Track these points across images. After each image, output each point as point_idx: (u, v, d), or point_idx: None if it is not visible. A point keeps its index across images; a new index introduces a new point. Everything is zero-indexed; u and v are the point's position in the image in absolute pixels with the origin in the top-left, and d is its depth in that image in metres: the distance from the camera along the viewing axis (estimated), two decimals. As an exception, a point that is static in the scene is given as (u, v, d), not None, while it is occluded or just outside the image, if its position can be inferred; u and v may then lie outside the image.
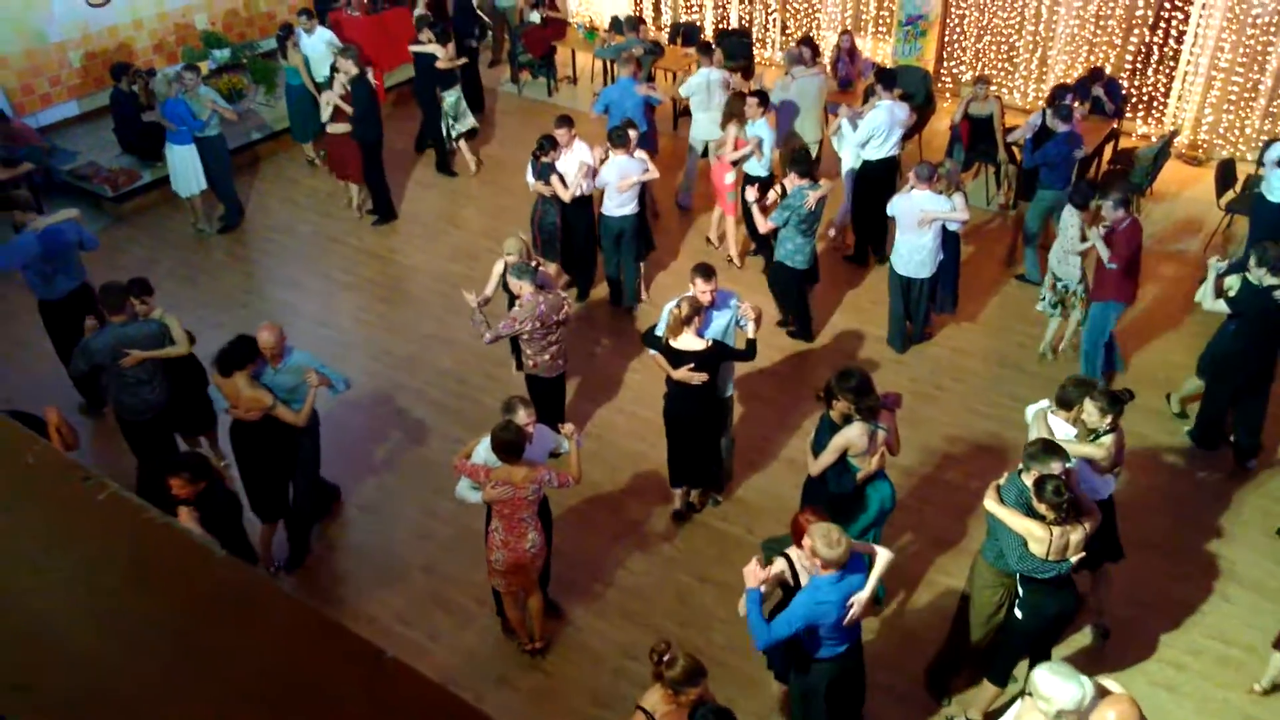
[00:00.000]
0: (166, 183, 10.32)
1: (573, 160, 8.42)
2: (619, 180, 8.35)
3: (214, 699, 0.93)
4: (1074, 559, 4.89)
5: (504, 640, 6.16)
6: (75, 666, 0.96)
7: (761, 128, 8.62)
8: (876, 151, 8.94)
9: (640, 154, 8.51)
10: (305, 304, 9.29)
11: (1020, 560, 4.96)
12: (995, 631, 5.42)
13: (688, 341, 6.08)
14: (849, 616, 4.57)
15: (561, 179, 8.34)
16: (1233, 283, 6.75)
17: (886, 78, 9.03)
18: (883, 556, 4.74)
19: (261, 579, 1.05)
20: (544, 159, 8.36)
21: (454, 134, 11.24)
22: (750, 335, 6.30)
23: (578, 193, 8.39)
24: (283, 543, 6.70)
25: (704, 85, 9.68)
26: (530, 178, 8.51)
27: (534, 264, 6.92)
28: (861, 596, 4.57)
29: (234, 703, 0.94)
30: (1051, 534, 4.79)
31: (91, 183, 10.48)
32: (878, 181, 8.99)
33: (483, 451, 5.46)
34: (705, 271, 6.27)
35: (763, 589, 4.60)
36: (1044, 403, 5.85)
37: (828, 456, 5.48)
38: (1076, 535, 4.83)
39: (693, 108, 9.90)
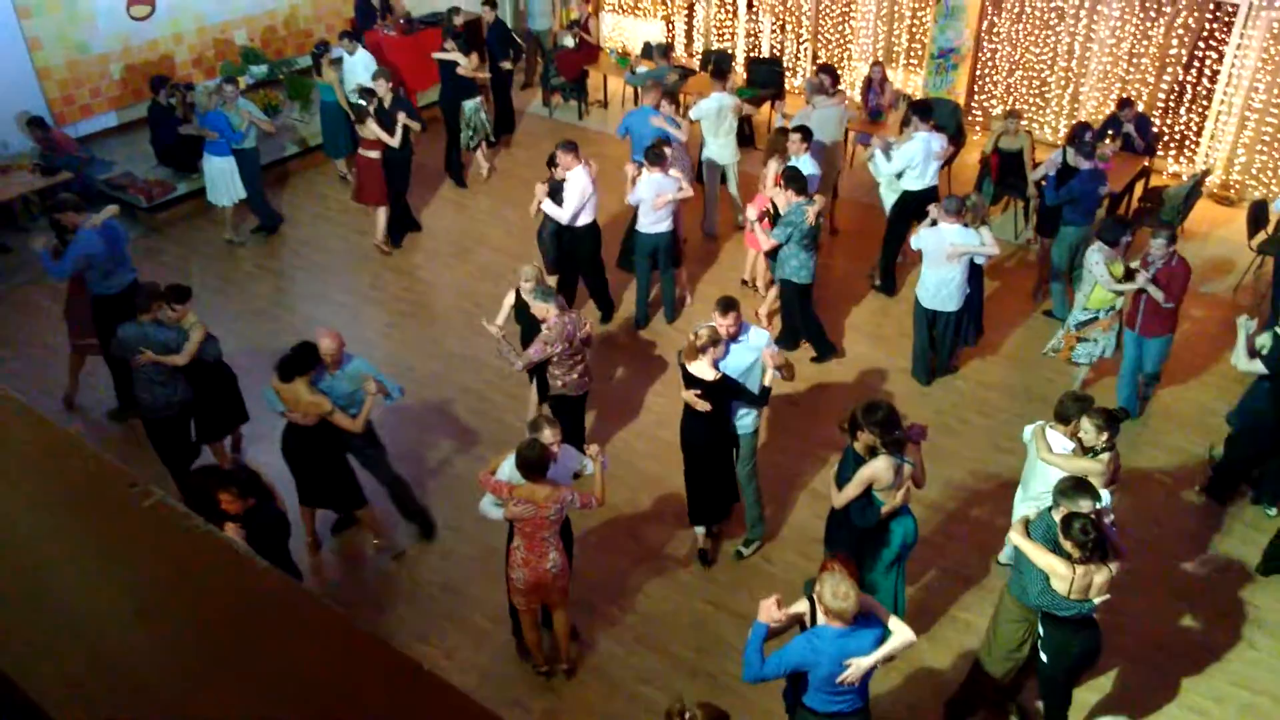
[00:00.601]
0: (200, 194, 10.48)
1: (571, 182, 8.51)
2: (653, 197, 8.43)
3: (251, 707, 0.94)
4: (1097, 600, 4.85)
5: (518, 661, 6.14)
6: (118, 670, 0.97)
7: (805, 163, 8.64)
8: (916, 182, 8.96)
9: (675, 171, 8.59)
10: (332, 318, 9.35)
11: (1040, 595, 4.93)
12: (1018, 671, 5.36)
13: (700, 369, 6.08)
14: (842, 676, 4.38)
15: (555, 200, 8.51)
16: (1264, 341, 6.62)
17: (923, 109, 9.01)
18: (900, 636, 4.46)
19: (301, 590, 1.06)
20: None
21: (471, 144, 11.43)
22: (766, 382, 6.22)
23: (533, 210, 8.57)
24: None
25: (715, 110, 9.73)
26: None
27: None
28: (861, 663, 4.37)
29: (270, 710, 0.94)
30: (1075, 572, 4.76)
31: (127, 193, 10.62)
32: (918, 212, 9.01)
33: (508, 468, 5.48)
34: (724, 305, 6.24)
35: (771, 625, 4.50)
36: (1040, 422, 5.95)
37: (852, 490, 5.42)
38: (1100, 577, 4.78)
39: (703, 132, 9.93)
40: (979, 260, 7.93)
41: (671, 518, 7.11)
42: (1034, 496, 5.91)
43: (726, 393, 6.16)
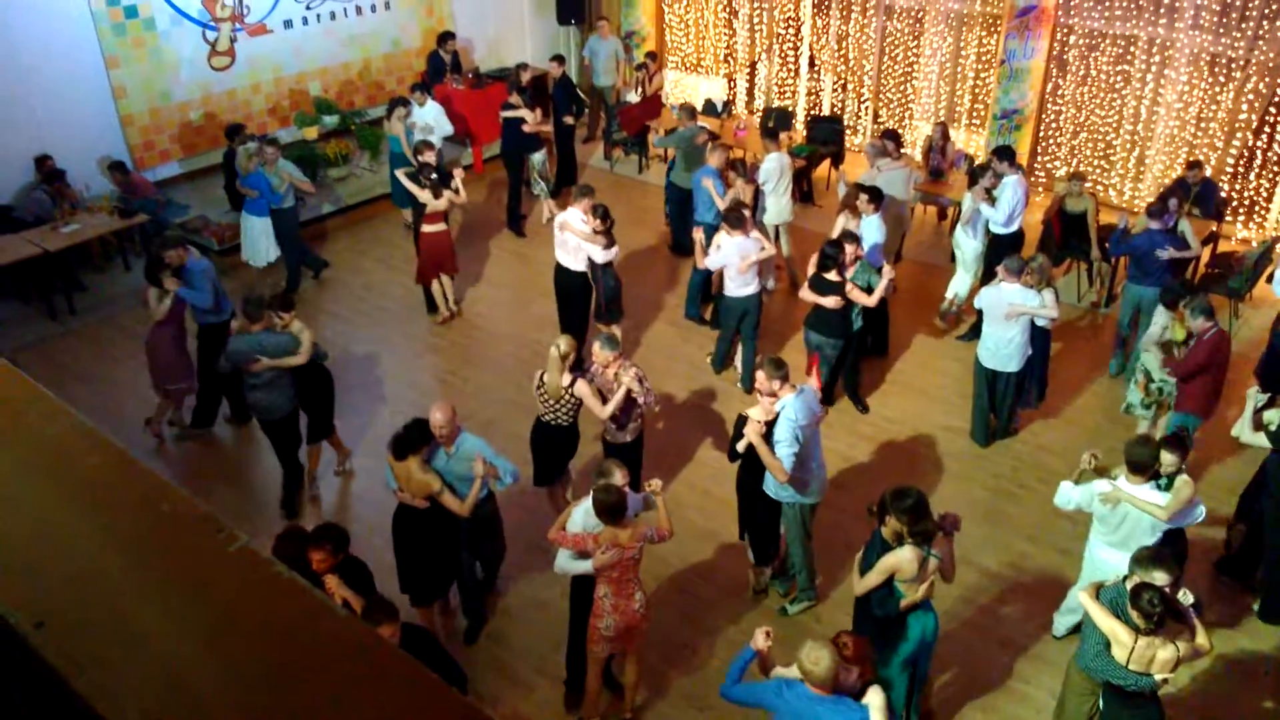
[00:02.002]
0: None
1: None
2: (739, 260, 8.40)
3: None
4: (1158, 676, 4.72)
5: (563, 714, 6.10)
6: (196, 706, 0.99)
7: (873, 224, 8.67)
8: (1012, 225, 9.15)
9: (755, 233, 8.58)
10: (391, 363, 9.51)
11: (1096, 659, 4.89)
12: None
13: (760, 405, 6.22)
14: None
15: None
16: (1272, 417, 6.46)
17: (1008, 154, 9.24)
18: None
19: (379, 639, 1.08)
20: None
21: (545, 193, 11.84)
22: (739, 446, 6.20)
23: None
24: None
25: (776, 170, 9.80)
26: (604, 253, 8.79)
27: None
28: None
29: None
30: (1136, 642, 4.68)
31: (200, 235, 10.95)
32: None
33: (580, 518, 5.48)
34: (763, 363, 6.23)
35: (759, 652, 4.68)
36: (1079, 485, 5.86)
37: (873, 578, 5.26)
38: (1165, 653, 4.66)
39: (764, 192, 9.96)
40: (1041, 323, 7.85)
41: (722, 573, 7.05)
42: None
43: (736, 434, 6.25)
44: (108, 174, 10.97)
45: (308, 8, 12.94)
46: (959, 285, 9.71)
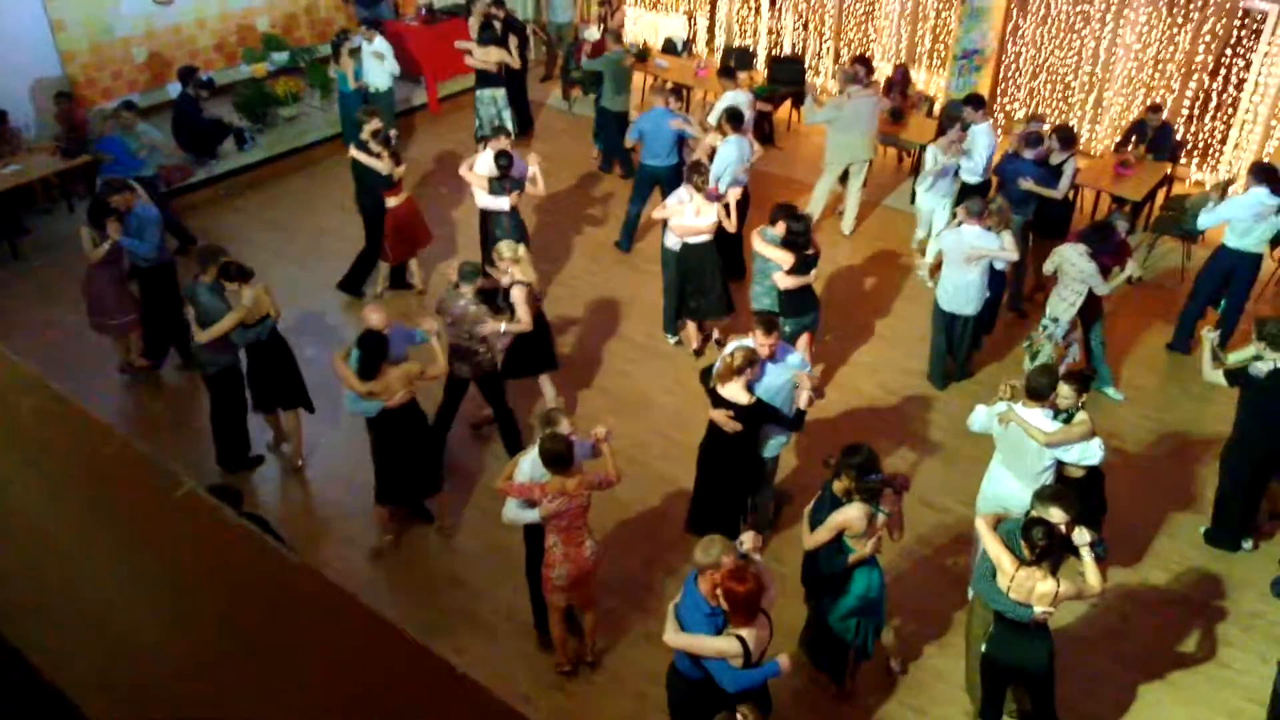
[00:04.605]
0: (219, 180, 10.46)
1: (517, 168, 8.54)
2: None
3: (283, 706, 0.92)
4: (1038, 609, 4.84)
5: (528, 658, 6.13)
6: (148, 665, 0.95)
7: (731, 145, 8.71)
8: (982, 175, 9.12)
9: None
10: (349, 308, 9.36)
11: (979, 581, 5.10)
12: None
13: (733, 392, 5.94)
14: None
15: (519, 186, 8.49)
16: (1243, 356, 6.60)
17: (979, 101, 9.21)
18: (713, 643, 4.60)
19: (333, 587, 1.04)
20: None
21: (476, 134, 11.51)
22: (802, 405, 6.14)
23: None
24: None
25: None
26: (488, 198, 8.48)
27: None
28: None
29: (301, 712, 0.92)
30: (1017, 571, 4.83)
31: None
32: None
33: (528, 468, 5.44)
34: (767, 324, 6.08)
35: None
36: (988, 408, 5.98)
37: (823, 534, 5.27)
38: (1044, 585, 4.80)
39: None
40: (1000, 265, 7.88)
41: (682, 517, 7.08)
42: (1039, 474, 5.82)
43: (760, 417, 6.04)
44: (53, 103, 10.56)
45: (254, -61, 12.50)
46: (920, 234, 9.76)
